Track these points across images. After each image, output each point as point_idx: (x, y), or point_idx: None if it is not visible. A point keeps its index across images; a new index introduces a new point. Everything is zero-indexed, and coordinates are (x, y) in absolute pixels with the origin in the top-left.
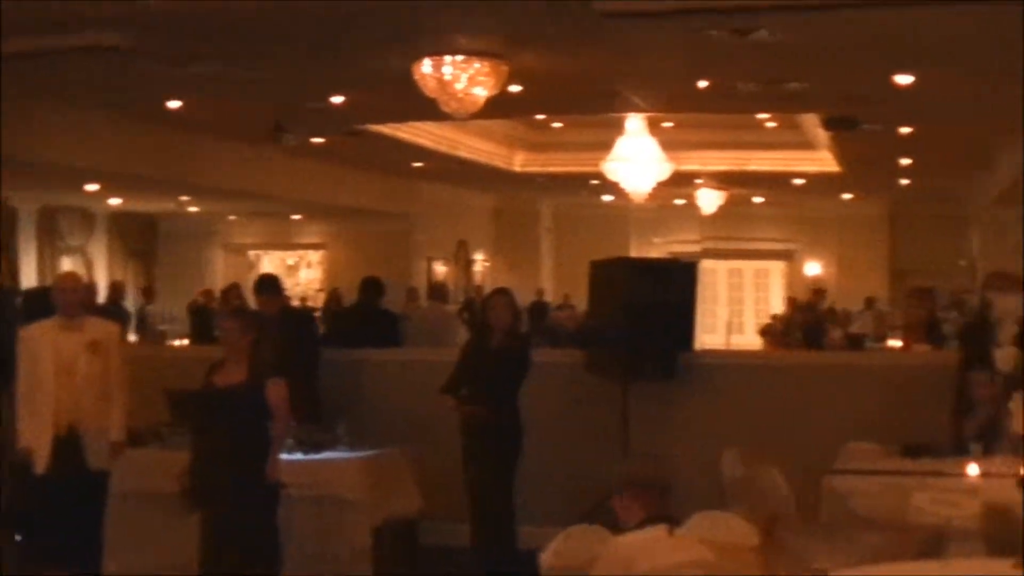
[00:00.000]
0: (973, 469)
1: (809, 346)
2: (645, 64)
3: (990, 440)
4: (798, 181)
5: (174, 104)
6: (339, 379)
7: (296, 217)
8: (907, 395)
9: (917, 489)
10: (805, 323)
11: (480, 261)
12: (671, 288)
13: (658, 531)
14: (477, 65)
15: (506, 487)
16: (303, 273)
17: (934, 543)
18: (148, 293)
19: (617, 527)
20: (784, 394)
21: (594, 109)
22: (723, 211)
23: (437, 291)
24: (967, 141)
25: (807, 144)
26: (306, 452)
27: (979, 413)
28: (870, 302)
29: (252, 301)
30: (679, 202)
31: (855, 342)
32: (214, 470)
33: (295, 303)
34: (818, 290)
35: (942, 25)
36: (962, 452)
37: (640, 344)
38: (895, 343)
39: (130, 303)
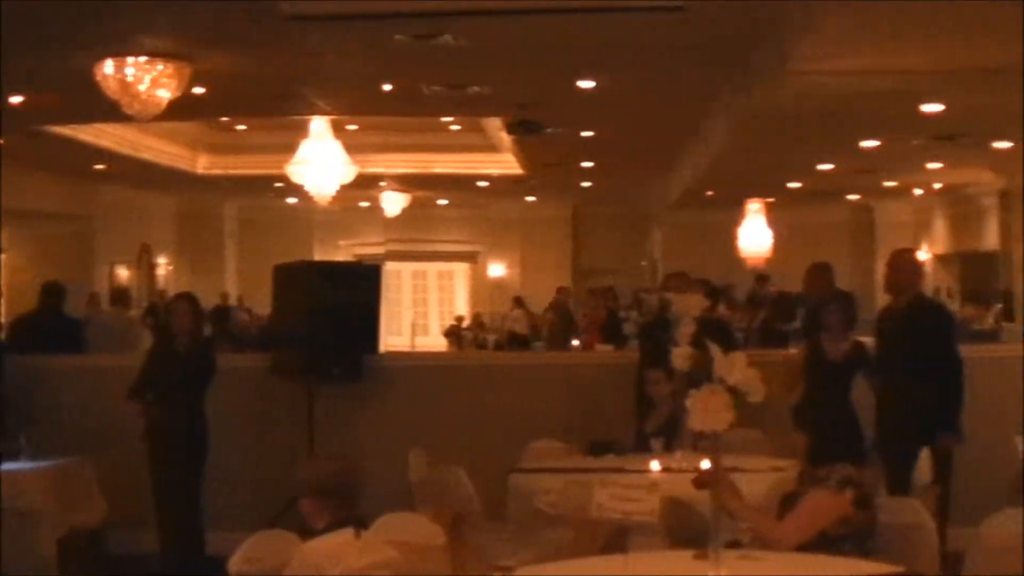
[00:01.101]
0: (654, 465)
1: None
2: (330, 67)
3: (670, 436)
4: (482, 183)
5: None
6: (20, 387)
7: None
8: (590, 393)
9: (599, 486)
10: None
11: (163, 265)
12: (355, 291)
13: (345, 534)
14: (160, 67)
15: (192, 492)
16: None
17: (617, 537)
18: None
19: (305, 531)
20: (470, 394)
21: (278, 111)
22: (407, 213)
23: (119, 296)
24: (648, 144)
25: (491, 147)
26: None
27: (659, 410)
28: (519, 301)
29: None
30: (364, 204)
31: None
32: None
33: None
34: (561, 288)
35: (623, 31)
36: (644, 449)
37: (325, 347)
38: (578, 342)
39: None
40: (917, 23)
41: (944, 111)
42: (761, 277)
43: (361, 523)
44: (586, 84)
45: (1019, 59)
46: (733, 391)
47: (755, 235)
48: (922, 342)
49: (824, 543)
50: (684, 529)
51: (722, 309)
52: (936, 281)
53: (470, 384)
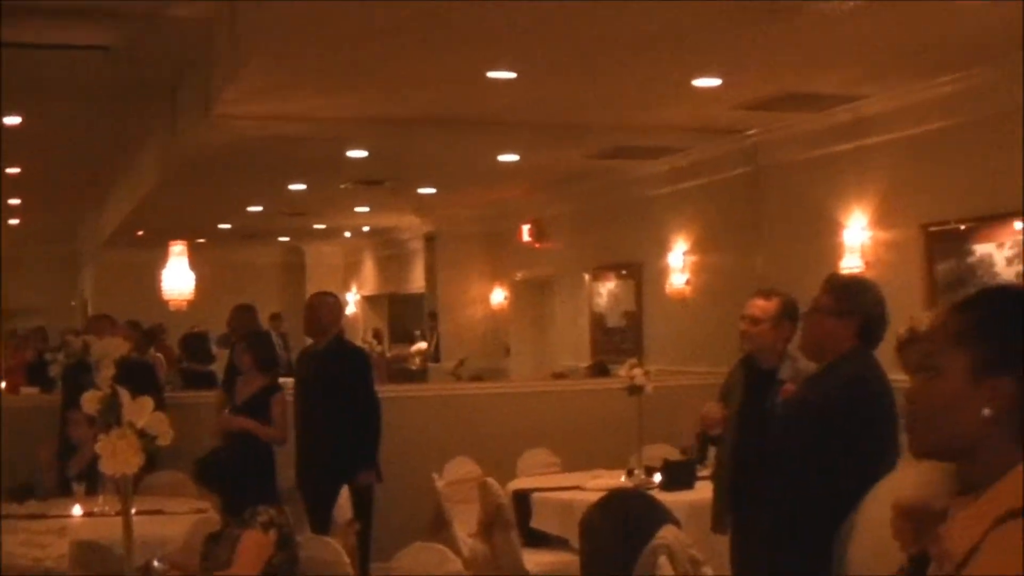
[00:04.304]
0: (76, 509)
1: None
2: None
3: (93, 480)
4: None
5: None
6: None
7: None
8: (14, 437)
9: (8, 533)
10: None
11: None
12: None
13: None
14: None
15: None
16: None
17: None
18: None
19: None
20: None
21: None
22: None
23: None
24: (77, 182)
25: None
26: None
27: (82, 453)
28: None
29: None
30: None
31: None
32: None
33: None
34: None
35: (48, 69)
36: (67, 493)
37: None
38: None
39: None
40: (340, 73)
41: (368, 157)
42: (275, 316)
43: None
44: (11, 120)
45: (434, 110)
46: (143, 434)
47: (177, 276)
48: (340, 383)
49: None
50: (99, 573)
51: (152, 352)
52: (366, 322)
53: None
